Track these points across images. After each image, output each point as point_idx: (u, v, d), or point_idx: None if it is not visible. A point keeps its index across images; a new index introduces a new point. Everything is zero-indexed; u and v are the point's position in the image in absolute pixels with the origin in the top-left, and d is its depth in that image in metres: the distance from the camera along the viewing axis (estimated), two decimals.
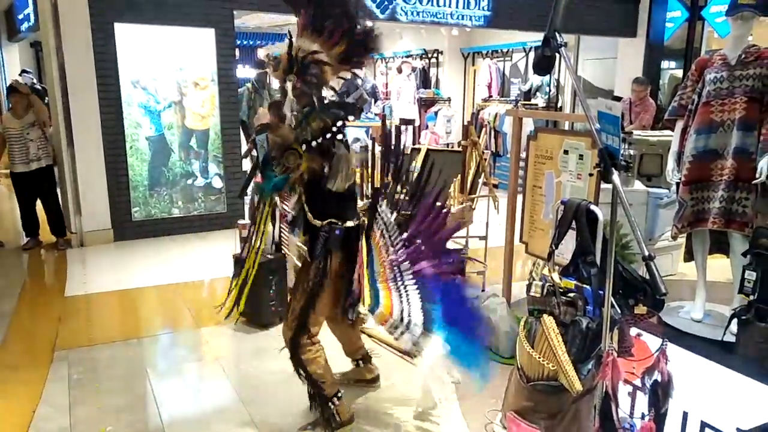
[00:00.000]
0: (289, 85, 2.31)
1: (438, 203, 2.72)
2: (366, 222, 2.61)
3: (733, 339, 3.09)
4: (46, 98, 7.27)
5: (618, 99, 7.55)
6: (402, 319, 2.48)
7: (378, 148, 4.07)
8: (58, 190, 5.86)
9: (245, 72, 9.36)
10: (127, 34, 5.61)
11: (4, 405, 3.00)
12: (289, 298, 2.64)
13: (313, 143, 2.34)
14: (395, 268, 2.58)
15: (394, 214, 2.67)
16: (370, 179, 3.85)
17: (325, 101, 2.44)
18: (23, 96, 5.52)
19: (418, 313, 2.50)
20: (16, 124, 5.42)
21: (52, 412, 2.88)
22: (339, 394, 2.61)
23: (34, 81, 9.47)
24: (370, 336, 3.47)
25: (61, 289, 4.64)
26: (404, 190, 2.77)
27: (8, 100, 5.76)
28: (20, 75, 9.31)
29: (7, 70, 10.35)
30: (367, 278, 2.50)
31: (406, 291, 2.54)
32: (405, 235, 2.63)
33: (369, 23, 2.50)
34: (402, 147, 3.14)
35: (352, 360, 3.04)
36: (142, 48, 5.71)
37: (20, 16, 8.24)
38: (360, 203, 2.75)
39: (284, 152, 2.31)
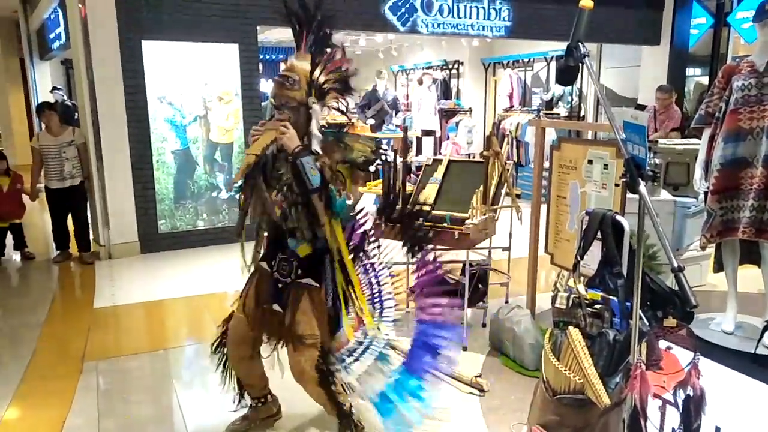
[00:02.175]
0: (317, 108, 2.30)
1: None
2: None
3: (766, 352, 3.01)
4: (76, 114, 7.47)
5: (642, 107, 7.47)
6: (343, 359, 2.43)
7: (399, 160, 4.08)
8: (88, 205, 6.00)
9: (268, 86, 9.49)
10: (154, 51, 5.74)
11: (35, 415, 3.07)
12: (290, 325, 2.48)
13: (372, 167, 2.36)
14: (375, 302, 2.53)
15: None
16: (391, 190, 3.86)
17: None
18: (54, 114, 5.66)
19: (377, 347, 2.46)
20: (53, 141, 5.55)
21: (81, 423, 2.93)
22: (353, 404, 2.58)
23: (65, 98, 9.73)
24: None
25: (89, 300, 4.74)
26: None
27: (39, 118, 5.92)
28: (51, 92, 9.58)
29: (38, 87, 10.66)
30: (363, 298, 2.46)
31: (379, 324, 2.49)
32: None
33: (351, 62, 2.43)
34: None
35: (258, 397, 2.79)
36: (169, 64, 5.84)
37: (51, 35, 8.50)
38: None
39: (333, 174, 2.26)
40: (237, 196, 2.53)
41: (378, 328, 2.48)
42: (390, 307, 2.55)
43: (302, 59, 2.33)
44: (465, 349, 3.63)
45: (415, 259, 2.61)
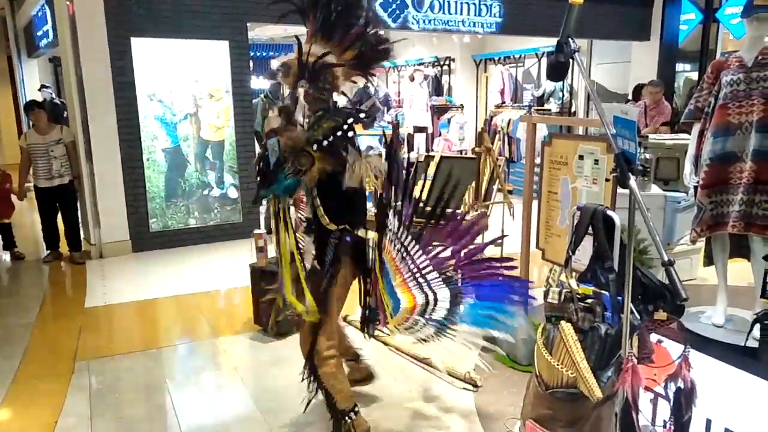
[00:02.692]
0: (301, 91, 2.31)
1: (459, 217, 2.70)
2: (377, 237, 2.55)
3: (756, 344, 3.04)
4: (65, 112, 7.41)
5: (629, 101, 7.52)
6: (424, 312, 2.50)
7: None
8: (78, 204, 5.95)
9: (259, 83, 9.45)
10: (143, 48, 5.70)
11: (27, 416, 3.05)
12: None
13: (325, 142, 2.31)
14: (417, 276, 2.56)
15: (403, 226, 2.61)
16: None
17: (338, 105, 2.45)
18: (42, 112, 5.60)
19: (444, 296, 2.52)
20: (41, 140, 5.50)
21: (73, 422, 2.91)
22: (356, 408, 2.57)
23: (53, 96, 9.64)
24: (417, 359, 3.43)
25: (81, 300, 4.70)
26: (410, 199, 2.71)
27: (27, 116, 5.86)
28: (39, 90, 9.49)
29: (26, 85, 10.56)
30: (385, 292, 2.48)
31: (431, 290, 2.55)
32: (423, 243, 2.59)
33: (381, 31, 2.50)
34: (406, 158, 3.10)
35: (344, 356, 2.93)
36: (158, 61, 5.80)
37: (39, 33, 8.42)
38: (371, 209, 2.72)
39: (296, 155, 2.29)
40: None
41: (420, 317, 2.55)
42: (435, 278, 2.58)
43: (312, 44, 2.37)
44: None
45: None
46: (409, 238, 2.57)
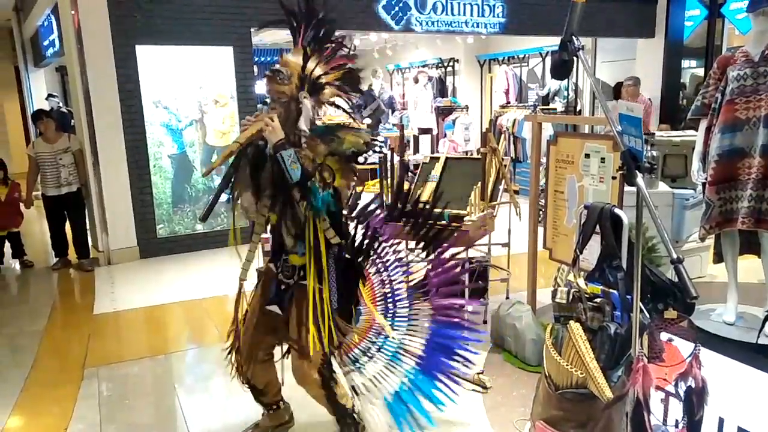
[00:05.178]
0: (307, 103, 2.28)
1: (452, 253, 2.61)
2: (361, 256, 2.48)
3: (767, 341, 3.01)
4: (73, 121, 7.46)
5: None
6: (356, 359, 2.36)
7: (396, 159, 4.07)
8: (86, 212, 5.98)
9: (263, 88, 9.48)
10: (147, 56, 5.73)
11: (37, 423, 3.06)
12: (296, 329, 2.42)
13: (360, 159, 2.28)
14: (388, 302, 2.47)
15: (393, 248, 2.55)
16: (389, 189, 3.87)
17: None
18: (51, 121, 5.64)
19: (382, 358, 2.38)
20: (48, 148, 5.53)
21: (83, 429, 2.92)
22: (355, 405, 2.55)
23: (61, 105, 9.71)
24: None
25: (89, 307, 4.72)
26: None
27: (36, 125, 5.91)
28: (47, 99, 9.56)
29: (34, 94, 10.63)
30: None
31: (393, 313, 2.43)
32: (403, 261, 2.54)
33: (358, 60, 2.43)
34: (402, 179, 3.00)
35: (270, 404, 2.74)
36: (163, 68, 5.82)
37: (45, 42, 8.48)
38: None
39: (316, 168, 2.24)
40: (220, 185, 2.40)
41: (392, 330, 2.43)
42: (404, 307, 2.51)
43: (297, 54, 2.30)
44: None
45: (431, 257, 2.56)
46: (390, 253, 2.49)
